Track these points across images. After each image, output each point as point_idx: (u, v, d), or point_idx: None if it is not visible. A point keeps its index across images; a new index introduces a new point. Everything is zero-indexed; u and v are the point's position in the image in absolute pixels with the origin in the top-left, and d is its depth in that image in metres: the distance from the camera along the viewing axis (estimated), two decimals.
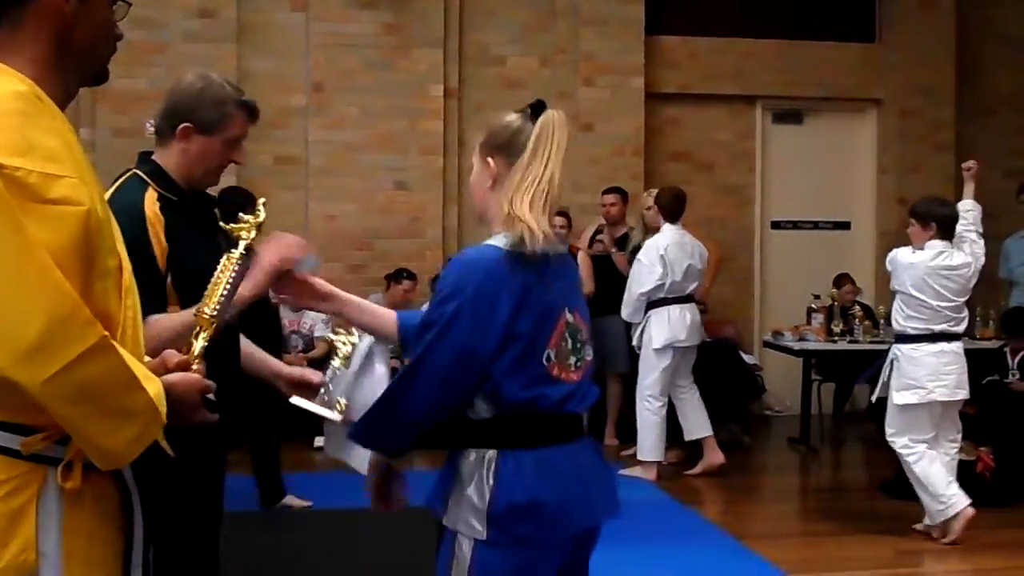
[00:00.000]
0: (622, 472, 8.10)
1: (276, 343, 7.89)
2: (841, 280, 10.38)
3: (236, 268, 2.37)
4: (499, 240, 2.80)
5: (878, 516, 7.33)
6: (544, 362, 2.78)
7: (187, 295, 3.05)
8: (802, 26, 11.34)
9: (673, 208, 8.41)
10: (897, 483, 7.51)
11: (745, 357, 10.10)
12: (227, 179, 3.55)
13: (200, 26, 10.16)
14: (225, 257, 2.39)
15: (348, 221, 10.40)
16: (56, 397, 1.90)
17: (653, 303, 8.28)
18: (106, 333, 1.95)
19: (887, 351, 6.99)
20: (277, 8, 10.51)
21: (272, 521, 7.07)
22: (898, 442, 6.73)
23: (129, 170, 3.26)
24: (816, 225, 11.17)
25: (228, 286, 2.33)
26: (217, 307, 2.30)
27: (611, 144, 10.71)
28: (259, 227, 2.62)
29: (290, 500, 7.37)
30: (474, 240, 10.17)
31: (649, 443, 8.32)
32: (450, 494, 2.78)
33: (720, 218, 10.98)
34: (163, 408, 2.01)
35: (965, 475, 7.55)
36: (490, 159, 2.88)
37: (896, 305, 6.82)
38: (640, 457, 8.36)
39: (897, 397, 6.72)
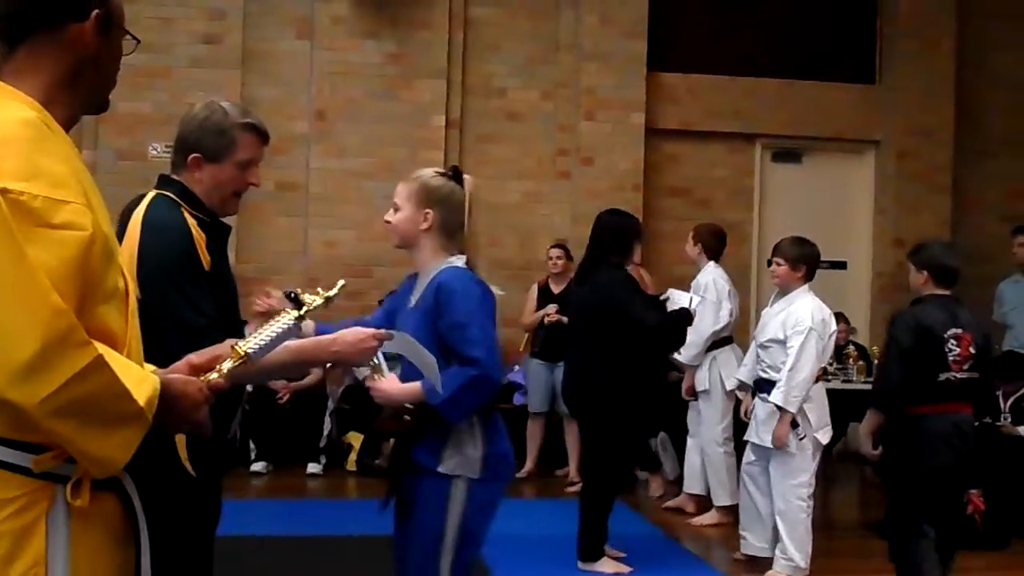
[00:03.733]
0: (696, 521, 8.14)
1: None
2: (836, 319, 10.36)
3: (287, 326, 2.43)
4: (459, 261, 3.91)
5: (870, 555, 7.32)
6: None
7: (221, 308, 3.14)
8: (803, 66, 11.42)
9: (716, 246, 8.33)
10: (889, 524, 7.52)
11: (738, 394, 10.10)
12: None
13: (205, 52, 10.24)
14: (285, 312, 2.46)
15: (347, 248, 10.44)
16: (50, 415, 1.94)
17: (716, 343, 8.15)
18: (100, 352, 1.98)
19: None
20: (282, 36, 10.59)
21: (262, 547, 7.08)
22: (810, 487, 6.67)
23: (143, 194, 3.28)
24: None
25: (272, 337, 2.40)
26: (254, 348, 2.36)
27: (611, 178, 10.77)
28: (328, 301, 2.63)
29: (602, 565, 6.68)
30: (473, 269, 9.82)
31: (730, 487, 8.06)
32: (445, 449, 3.74)
33: None
34: (151, 411, 2.05)
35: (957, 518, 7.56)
36: (428, 210, 3.93)
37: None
38: (720, 504, 8.15)
39: (823, 436, 6.69)
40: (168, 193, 3.24)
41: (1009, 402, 8.60)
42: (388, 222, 4.07)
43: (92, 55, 2.20)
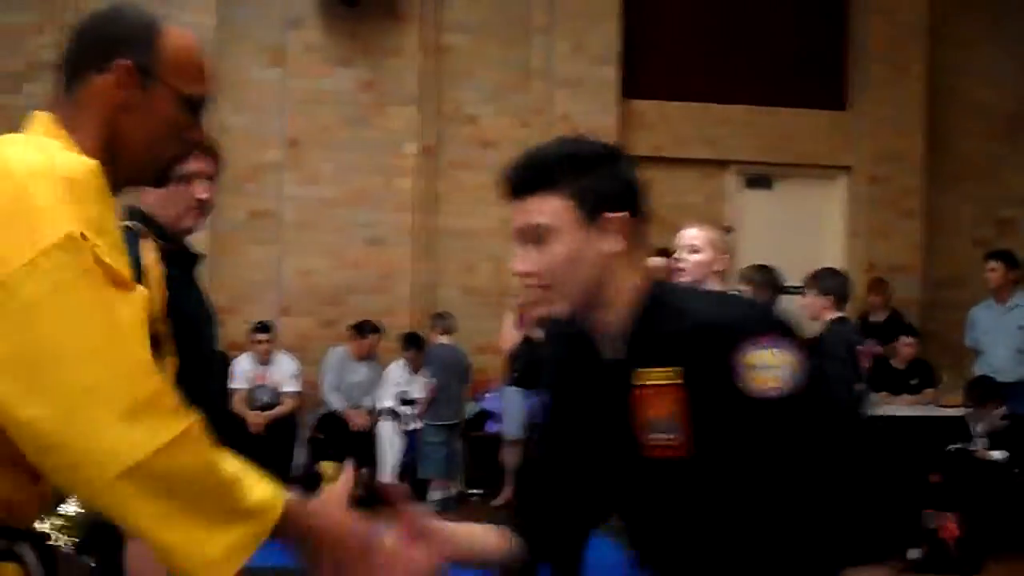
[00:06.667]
0: None
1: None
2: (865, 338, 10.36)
3: None
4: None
5: None
6: None
7: (183, 340, 3.08)
8: (774, 93, 11.46)
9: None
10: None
11: None
12: (200, 234, 3.55)
13: None
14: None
15: (320, 276, 10.41)
16: (132, 494, 1.64)
17: None
18: (195, 420, 1.71)
19: None
20: (254, 63, 10.58)
21: None
22: None
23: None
24: (785, 290, 11.29)
25: None
26: None
27: None
28: None
29: None
30: (447, 297, 10.17)
31: None
32: None
33: None
34: (274, 514, 1.76)
35: (931, 543, 7.58)
36: (726, 255, 4.73)
37: None
38: None
39: None
40: (129, 224, 3.22)
41: (980, 426, 8.61)
42: (683, 261, 4.52)
43: (123, 111, 1.94)
